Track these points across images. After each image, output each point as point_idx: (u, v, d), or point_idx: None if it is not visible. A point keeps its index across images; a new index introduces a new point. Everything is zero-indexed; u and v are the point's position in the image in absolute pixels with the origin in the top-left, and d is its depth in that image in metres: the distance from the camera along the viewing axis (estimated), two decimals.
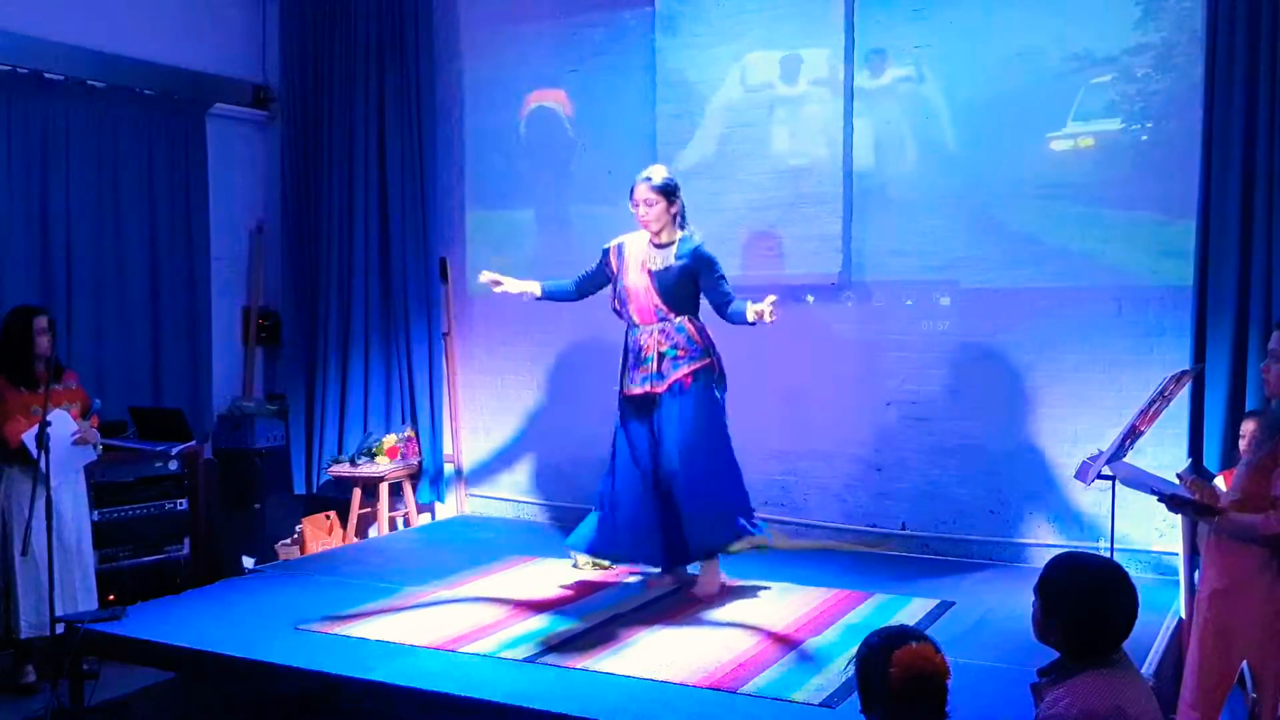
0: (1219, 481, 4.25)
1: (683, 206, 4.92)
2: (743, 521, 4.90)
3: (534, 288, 5.14)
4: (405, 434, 6.75)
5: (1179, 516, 4.20)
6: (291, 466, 6.91)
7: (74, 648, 4.38)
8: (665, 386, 4.82)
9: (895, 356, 5.74)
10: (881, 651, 2.30)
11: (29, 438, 4.70)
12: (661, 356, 4.83)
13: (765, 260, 5.89)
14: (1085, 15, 5.28)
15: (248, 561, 6.30)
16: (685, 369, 4.83)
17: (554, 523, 6.54)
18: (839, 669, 3.74)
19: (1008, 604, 4.51)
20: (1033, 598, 2.51)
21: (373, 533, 6.63)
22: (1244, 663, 3.43)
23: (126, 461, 5.63)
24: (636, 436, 4.93)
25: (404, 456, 6.69)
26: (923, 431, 5.68)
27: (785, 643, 4.21)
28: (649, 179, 4.85)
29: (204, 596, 4.96)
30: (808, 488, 5.96)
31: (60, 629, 4.46)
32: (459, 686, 3.74)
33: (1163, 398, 4.33)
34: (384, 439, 6.70)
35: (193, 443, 5.87)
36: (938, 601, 4.73)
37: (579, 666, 3.95)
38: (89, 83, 6.15)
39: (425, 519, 6.86)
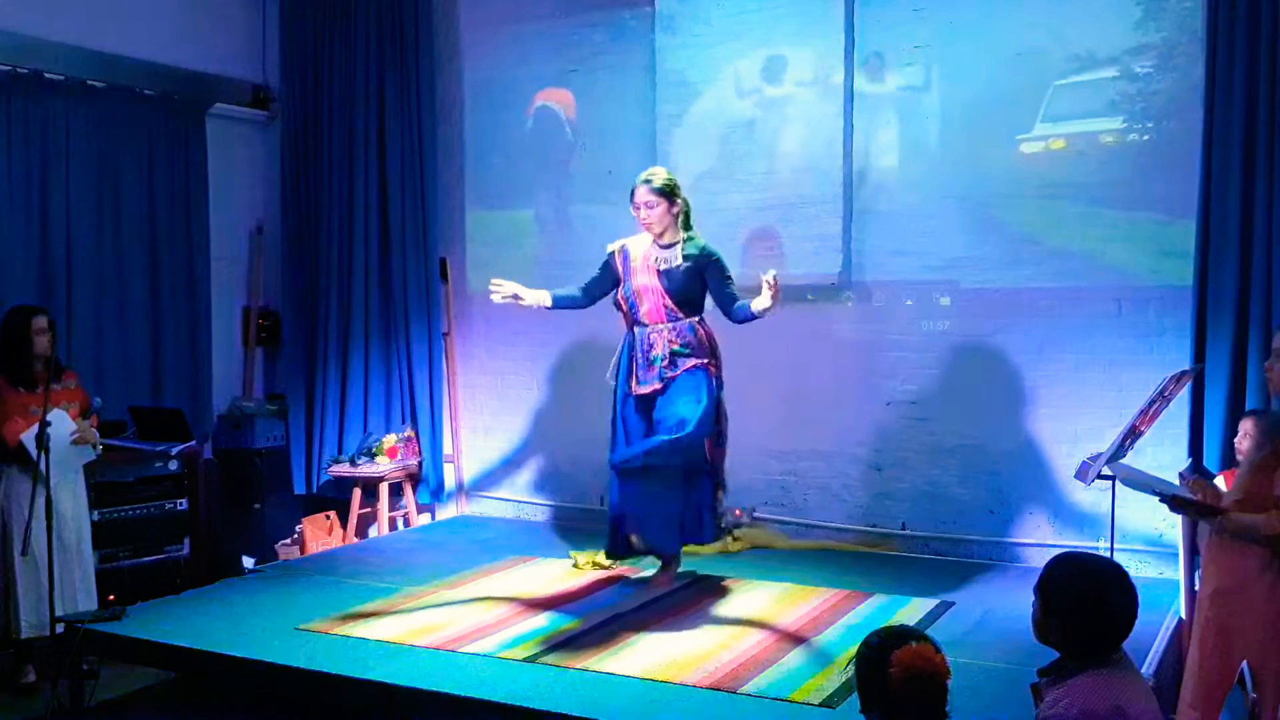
0: (1219, 481, 4.25)
1: (686, 206, 4.91)
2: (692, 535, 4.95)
3: (545, 298, 5.05)
4: (405, 434, 6.75)
5: (1178, 517, 4.21)
6: (291, 466, 6.91)
7: (74, 648, 4.38)
8: (674, 375, 4.82)
9: (895, 356, 5.74)
10: (881, 651, 2.30)
11: (28, 438, 4.70)
12: (674, 355, 4.83)
13: (765, 260, 5.86)
14: (1085, 15, 5.28)
15: (248, 561, 6.30)
16: (694, 363, 4.83)
17: (554, 523, 6.54)
18: (839, 669, 3.74)
19: (1008, 604, 4.51)
20: (1033, 598, 2.51)
21: (373, 533, 6.63)
22: (1244, 663, 3.44)
23: (126, 461, 5.62)
24: (635, 434, 4.92)
25: (404, 456, 6.69)
26: (923, 431, 5.68)
27: (785, 643, 4.21)
28: (649, 181, 4.84)
29: (204, 596, 4.96)
30: (808, 488, 5.97)
31: (60, 629, 4.46)
32: (459, 686, 3.74)
33: (1163, 398, 4.33)
34: (384, 439, 6.70)
35: (193, 443, 5.87)
36: (938, 601, 4.73)
37: (579, 666, 3.95)
38: (89, 83, 6.15)
39: (425, 519, 6.86)
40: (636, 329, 4.94)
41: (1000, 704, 3.41)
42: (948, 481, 5.63)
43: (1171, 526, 4.73)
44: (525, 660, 4.03)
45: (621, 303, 4.99)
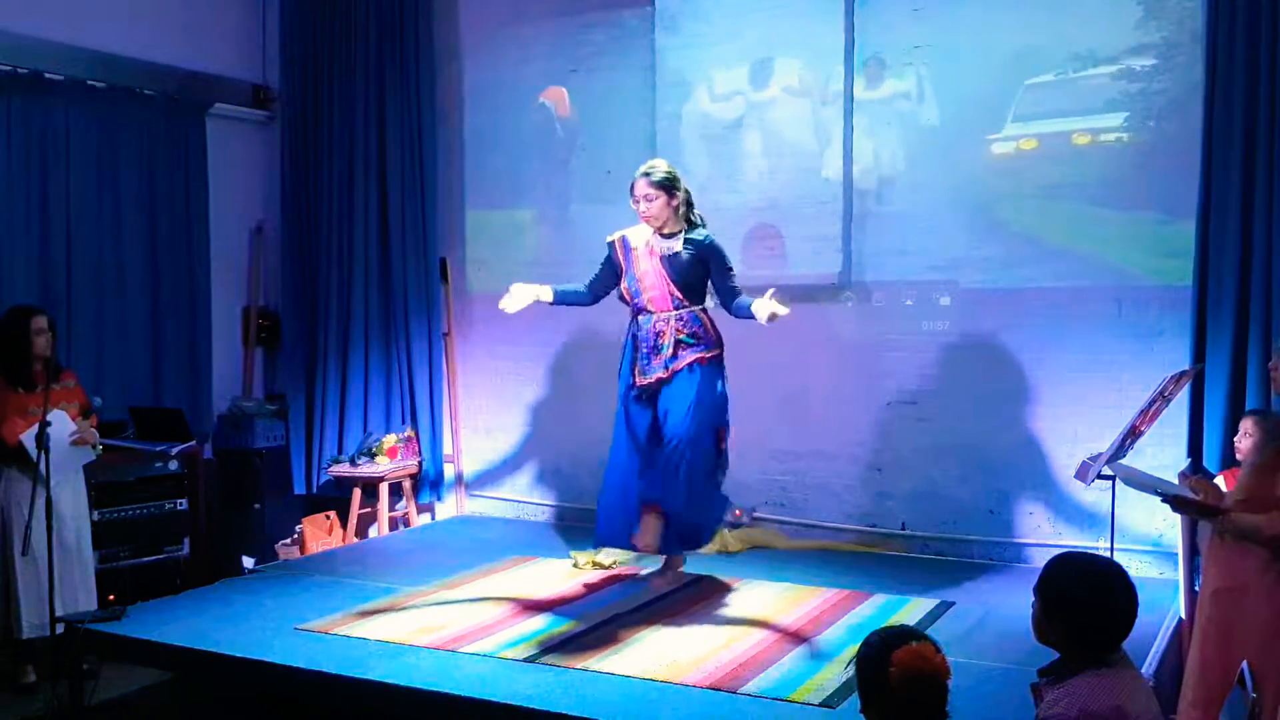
0: (1219, 481, 4.25)
1: (688, 198, 4.90)
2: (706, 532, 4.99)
3: (546, 293, 5.01)
4: (405, 434, 6.75)
5: (1178, 517, 4.21)
6: (291, 466, 6.91)
7: (74, 648, 4.38)
8: (678, 367, 4.81)
9: (895, 356, 5.74)
10: (881, 651, 2.30)
11: (27, 438, 4.70)
12: (678, 343, 4.83)
13: (766, 260, 5.89)
14: (1086, 15, 5.28)
15: (248, 561, 6.30)
16: (700, 354, 4.83)
17: (554, 523, 6.55)
18: (839, 669, 3.74)
19: (1008, 604, 4.51)
20: (1033, 598, 2.51)
21: (373, 533, 6.63)
22: (1244, 663, 3.44)
23: (126, 461, 5.63)
24: (637, 423, 4.91)
25: (404, 456, 6.69)
26: (923, 431, 5.68)
27: (785, 642, 4.21)
28: (648, 174, 4.83)
29: (204, 596, 4.95)
30: (808, 488, 5.96)
31: (60, 629, 4.46)
32: (459, 686, 3.74)
33: (1163, 398, 4.33)
34: (384, 439, 6.69)
35: (193, 443, 5.88)
36: (938, 601, 4.73)
37: (579, 666, 3.95)
38: (89, 83, 6.15)
39: (425, 519, 6.86)
40: (641, 318, 4.92)
41: (1000, 704, 3.41)
42: (948, 481, 5.63)
43: (1171, 526, 4.73)
44: (525, 660, 4.03)
45: (625, 292, 4.98)
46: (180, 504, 5.86)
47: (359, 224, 6.83)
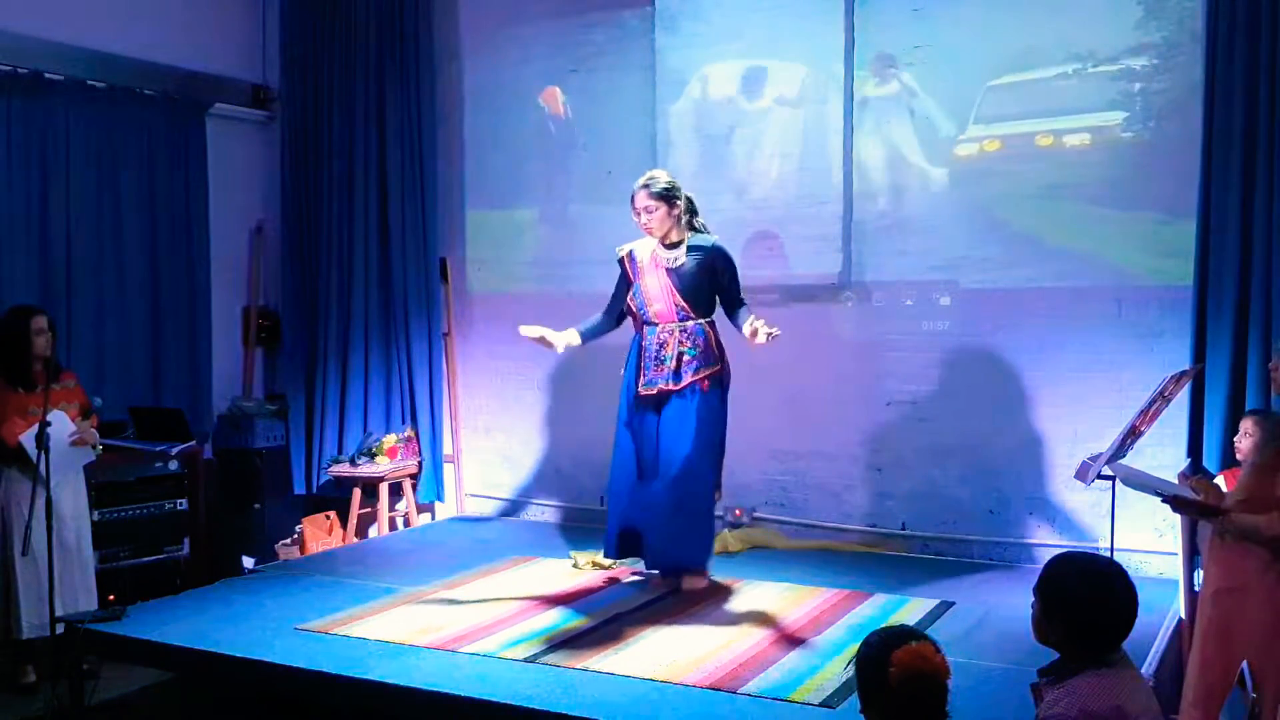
0: (1220, 481, 4.25)
1: (690, 206, 4.89)
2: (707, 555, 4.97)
3: (574, 337, 5.01)
4: (405, 434, 6.75)
5: (1178, 517, 4.20)
6: (291, 466, 6.91)
7: (74, 648, 4.38)
8: (680, 387, 4.80)
9: (895, 356, 5.74)
10: (881, 651, 2.30)
11: (27, 439, 4.70)
12: (681, 356, 4.81)
13: (766, 260, 5.89)
14: (1086, 15, 5.28)
15: (248, 561, 6.30)
16: (703, 373, 4.82)
17: (554, 523, 6.55)
18: (839, 669, 3.74)
19: (1008, 604, 4.51)
20: (1033, 598, 2.51)
21: (373, 533, 6.63)
22: (1244, 663, 3.44)
23: (126, 461, 5.63)
24: (641, 432, 4.90)
25: (404, 456, 6.69)
26: (922, 431, 5.68)
27: (785, 643, 4.21)
28: (648, 186, 4.81)
29: (204, 596, 4.95)
30: (808, 488, 5.96)
31: (60, 629, 4.46)
32: (459, 686, 3.74)
33: (1163, 398, 4.33)
34: (384, 439, 6.69)
35: (193, 443, 5.88)
36: (938, 601, 4.73)
37: (579, 666, 3.95)
38: (89, 83, 6.16)
39: (425, 519, 6.86)
40: (646, 329, 4.92)
41: (1000, 704, 3.41)
42: (948, 481, 5.63)
43: (1171, 527, 4.73)
44: (525, 660, 4.03)
45: (631, 304, 4.97)
46: (180, 504, 5.86)
47: (359, 224, 6.83)
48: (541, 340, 5.00)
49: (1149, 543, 5.09)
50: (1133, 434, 4.30)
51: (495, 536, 6.21)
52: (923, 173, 5.67)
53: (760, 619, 4.51)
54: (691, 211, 4.92)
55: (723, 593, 4.89)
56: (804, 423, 5.93)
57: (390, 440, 6.68)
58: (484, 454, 6.91)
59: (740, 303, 4.89)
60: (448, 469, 6.89)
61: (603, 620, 4.50)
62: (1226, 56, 4.84)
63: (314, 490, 6.91)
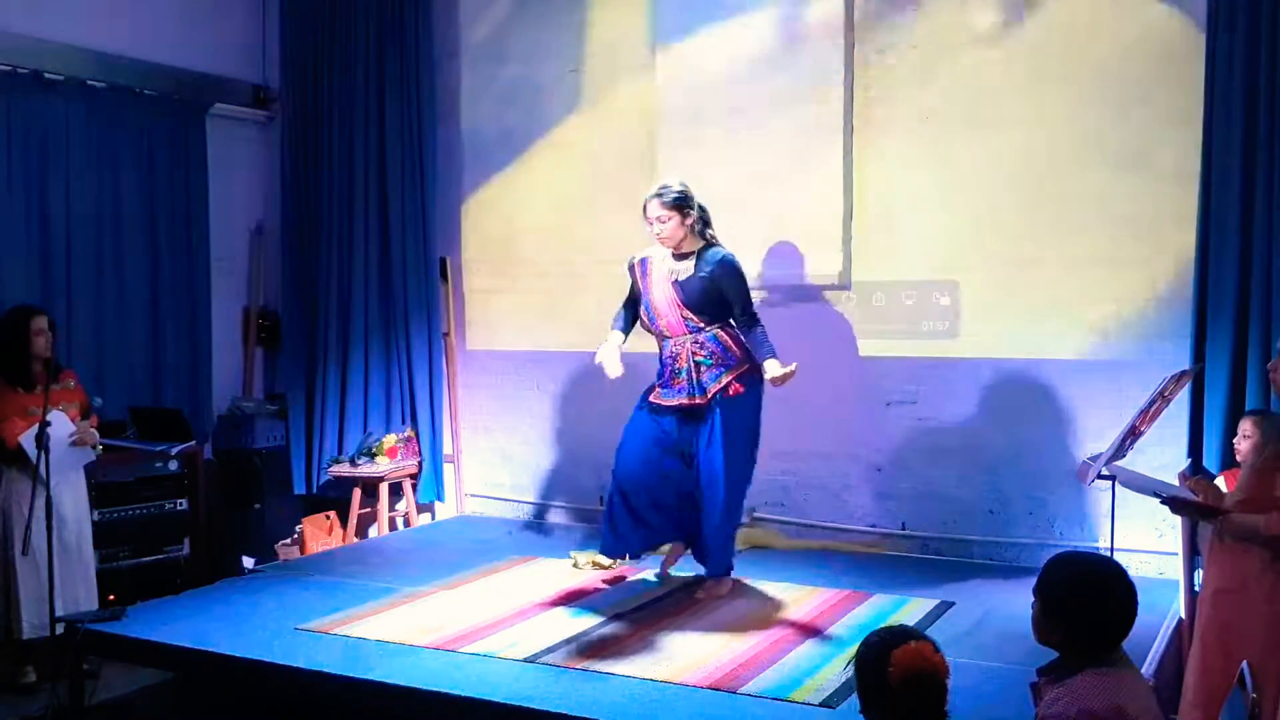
0: (1220, 482, 4.25)
1: (703, 214, 4.81)
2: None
3: (620, 338, 4.96)
4: (405, 434, 6.75)
5: (1178, 517, 4.20)
6: (291, 466, 6.91)
7: (74, 648, 4.38)
8: (708, 399, 4.75)
9: (895, 356, 5.74)
10: (881, 651, 2.30)
11: (27, 439, 4.70)
12: (698, 366, 4.75)
13: (766, 260, 5.88)
14: (1085, 14, 5.27)
15: (248, 561, 6.29)
16: (728, 376, 4.77)
17: (554, 523, 6.55)
18: (839, 669, 3.74)
19: (1008, 604, 4.51)
20: (1033, 598, 2.51)
21: (373, 533, 6.63)
22: (1244, 663, 3.43)
23: (126, 461, 5.63)
24: (646, 433, 4.86)
25: (404, 456, 6.69)
26: (922, 431, 5.68)
27: (785, 642, 4.21)
28: (660, 195, 4.72)
29: (204, 596, 4.96)
30: (808, 488, 5.96)
31: (60, 629, 4.46)
32: (459, 686, 3.74)
33: (1163, 398, 4.33)
34: (384, 439, 6.69)
35: (193, 443, 5.88)
36: (938, 601, 4.73)
37: (579, 666, 3.95)
38: (89, 83, 6.15)
39: (425, 519, 6.86)
40: (661, 342, 4.88)
41: (1000, 704, 3.41)
42: (948, 481, 5.63)
43: (1171, 527, 4.73)
44: (525, 660, 4.03)
45: (642, 316, 4.92)
46: (180, 504, 5.86)
47: (359, 224, 6.83)
48: (611, 360, 4.89)
49: (1149, 543, 5.09)
50: (1133, 434, 4.30)
51: (495, 536, 6.22)
52: (923, 172, 5.66)
53: (760, 619, 4.51)
54: (705, 222, 4.83)
55: (733, 590, 4.90)
56: (804, 422, 5.92)
57: (390, 440, 6.68)
58: (484, 454, 6.91)
59: (753, 319, 4.77)
60: (448, 469, 6.89)
61: (603, 620, 4.50)
62: (1226, 57, 4.83)
63: (314, 490, 6.91)
